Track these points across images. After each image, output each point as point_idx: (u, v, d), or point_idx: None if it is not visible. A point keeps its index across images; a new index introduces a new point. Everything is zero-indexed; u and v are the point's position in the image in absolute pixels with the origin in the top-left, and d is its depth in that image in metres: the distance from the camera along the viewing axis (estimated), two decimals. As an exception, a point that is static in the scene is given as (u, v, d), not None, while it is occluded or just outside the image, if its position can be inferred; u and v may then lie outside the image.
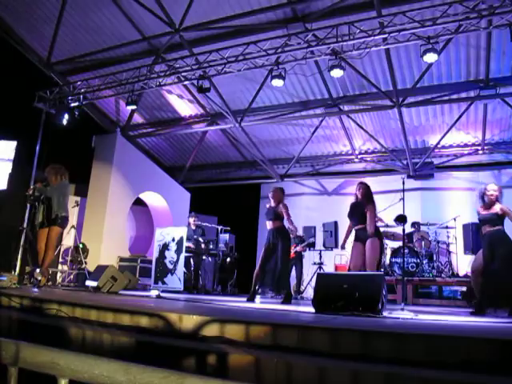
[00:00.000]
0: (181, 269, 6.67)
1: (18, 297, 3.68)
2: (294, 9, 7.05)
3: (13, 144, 9.38)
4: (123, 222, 9.98)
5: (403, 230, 5.23)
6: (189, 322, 2.58)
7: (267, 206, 5.96)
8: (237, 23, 7.42)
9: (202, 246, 8.51)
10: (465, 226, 7.78)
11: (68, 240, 8.61)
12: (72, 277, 8.56)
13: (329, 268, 9.09)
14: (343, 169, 10.91)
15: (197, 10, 7.29)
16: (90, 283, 5.89)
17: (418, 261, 7.89)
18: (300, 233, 9.22)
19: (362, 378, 1.83)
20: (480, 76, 7.71)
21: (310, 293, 8.38)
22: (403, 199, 4.94)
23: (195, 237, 8.38)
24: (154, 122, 10.63)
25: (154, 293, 5.44)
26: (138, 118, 10.51)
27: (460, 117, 8.47)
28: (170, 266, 6.75)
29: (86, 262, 7.83)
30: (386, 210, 6.92)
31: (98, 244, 9.00)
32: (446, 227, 8.49)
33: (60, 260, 8.75)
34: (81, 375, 1.59)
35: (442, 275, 7.74)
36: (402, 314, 3.72)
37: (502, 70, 7.51)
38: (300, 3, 6.93)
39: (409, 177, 9.29)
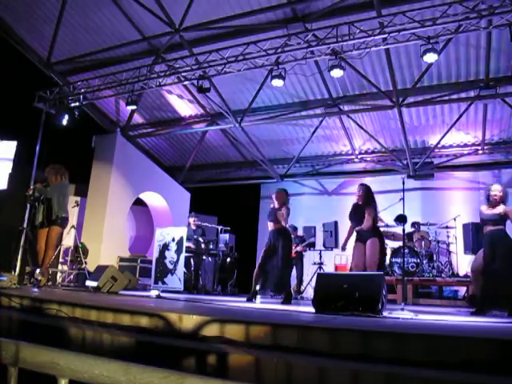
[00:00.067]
0: (181, 269, 6.67)
1: (18, 297, 3.69)
2: (293, 9, 7.05)
3: (13, 144, 9.38)
4: (123, 222, 9.98)
5: (403, 230, 5.23)
6: (189, 321, 2.58)
7: (271, 206, 5.93)
8: (237, 23, 7.42)
9: (202, 246, 8.51)
10: (465, 226, 7.78)
11: (68, 240, 8.60)
12: (72, 277, 8.56)
13: (329, 268, 9.09)
14: (343, 169, 10.91)
15: (197, 10, 7.29)
16: (90, 283, 5.89)
17: (418, 261, 7.89)
18: (300, 233, 9.23)
19: (362, 378, 1.83)
20: (480, 76, 7.71)
21: (310, 293, 8.39)
22: (403, 199, 4.94)
23: (195, 237, 8.38)
24: (154, 122, 10.63)
25: (154, 293, 5.44)
26: (137, 118, 10.51)
27: (460, 117, 8.47)
28: (170, 266, 6.75)
29: (86, 262, 7.83)
30: (386, 209, 6.92)
31: (97, 244, 9.00)
32: (446, 227, 8.49)
33: (60, 260, 8.75)
34: (81, 375, 1.59)
35: (442, 275, 7.74)
36: (402, 314, 3.72)
37: (501, 69, 7.51)
38: (300, 3, 6.93)
39: (409, 177, 9.29)
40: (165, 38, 7.96)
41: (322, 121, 9.50)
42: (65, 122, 8.36)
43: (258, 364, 2.04)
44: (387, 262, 8.00)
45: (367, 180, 8.90)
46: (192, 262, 8.20)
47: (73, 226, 8.08)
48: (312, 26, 6.82)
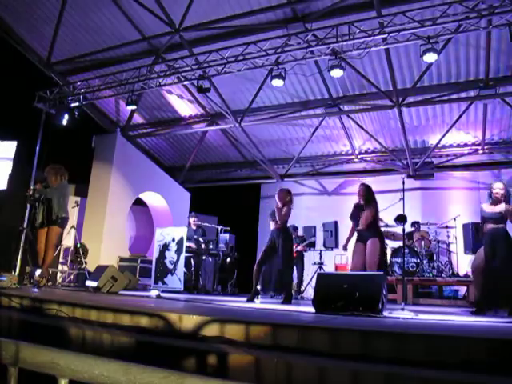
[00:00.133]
0: (181, 269, 6.67)
1: (18, 297, 3.68)
2: (293, 9, 7.05)
3: (13, 144, 9.37)
4: (123, 221, 9.98)
5: (403, 230, 5.23)
6: (189, 322, 2.58)
7: (275, 205, 5.91)
8: (237, 23, 7.42)
9: (203, 246, 8.51)
10: (465, 226, 7.78)
11: (68, 240, 8.61)
12: (72, 277, 8.57)
13: (329, 268, 9.09)
14: (343, 169, 10.91)
15: (197, 10, 7.29)
16: (90, 283, 5.89)
17: (418, 260, 7.89)
18: (300, 233, 9.24)
19: (362, 378, 1.83)
20: (480, 76, 7.72)
21: (310, 293, 8.39)
22: (403, 199, 4.94)
23: (195, 237, 8.38)
24: (154, 122, 10.64)
25: (154, 293, 5.44)
26: (138, 118, 10.51)
27: (460, 117, 8.47)
28: (170, 266, 6.75)
29: (86, 262, 7.83)
30: (386, 209, 6.92)
31: (97, 244, 9.00)
32: (446, 227, 8.49)
33: (60, 260, 8.75)
34: (81, 375, 1.59)
35: (442, 275, 7.74)
36: (403, 314, 3.72)
37: (501, 69, 7.51)
38: (300, 3, 6.93)
39: (409, 177, 9.29)
40: (165, 38, 7.96)
41: (321, 121, 9.50)
42: (65, 122, 8.37)
43: (258, 364, 2.04)
44: (387, 261, 8.01)
45: (367, 180, 8.89)
46: (192, 262, 8.19)
47: (73, 226, 8.09)
48: (312, 26, 6.83)
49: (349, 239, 5.42)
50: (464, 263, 8.32)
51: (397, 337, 2.13)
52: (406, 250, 7.90)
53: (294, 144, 10.58)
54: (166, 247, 6.92)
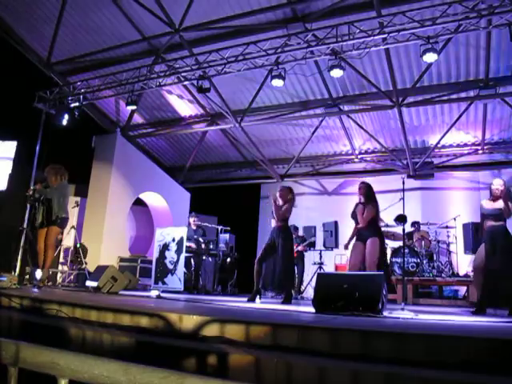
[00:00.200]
0: (181, 269, 6.67)
1: (18, 297, 3.69)
2: (293, 9, 7.05)
3: (13, 144, 9.38)
4: (123, 222, 9.98)
5: (403, 230, 5.23)
6: (189, 322, 2.58)
7: (272, 200, 5.89)
8: (237, 23, 7.42)
9: (203, 246, 8.51)
10: (465, 226, 7.78)
11: (68, 240, 8.62)
12: (72, 277, 8.57)
13: (329, 268, 9.09)
14: (343, 169, 10.91)
15: (197, 10, 7.29)
16: (90, 283, 5.89)
17: (418, 260, 7.89)
18: (300, 233, 9.24)
19: (362, 378, 1.83)
20: (480, 76, 7.72)
21: (310, 293, 8.39)
22: (403, 199, 4.94)
23: (195, 237, 8.39)
24: (154, 122, 10.64)
25: (154, 293, 5.43)
26: (138, 118, 10.51)
27: (460, 116, 8.47)
28: (171, 266, 6.75)
29: (86, 263, 7.83)
30: (386, 209, 6.92)
31: (98, 244, 9.00)
32: (446, 227, 8.49)
33: (60, 260, 8.76)
34: (81, 375, 1.59)
35: (443, 275, 7.74)
36: (403, 314, 3.72)
37: (501, 69, 7.51)
38: (300, 3, 6.93)
39: (409, 177, 9.29)
40: (165, 38, 7.96)
41: (322, 121, 9.50)
42: (65, 122, 8.37)
43: (258, 364, 2.04)
44: (387, 261, 8.01)
45: (367, 180, 8.87)
46: (192, 262, 8.19)
47: (73, 227, 8.09)
48: (312, 26, 6.83)
49: (351, 239, 5.38)
50: (464, 263, 8.32)
51: (397, 337, 2.12)
52: (406, 250, 7.90)
53: (294, 144, 10.58)
54: (166, 247, 6.92)
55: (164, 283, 6.74)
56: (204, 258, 8.70)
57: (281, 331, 2.31)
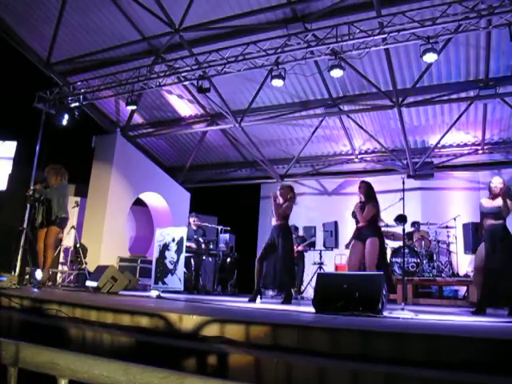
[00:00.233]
0: (181, 269, 6.67)
1: (18, 297, 3.68)
2: (293, 9, 7.05)
3: (13, 144, 9.39)
4: (123, 222, 9.98)
5: (403, 230, 5.22)
6: (189, 322, 2.58)
7: (272, 198, 5.88)
8: (237, 23, 7.42)
9: (203, 246, 8.52)
10: (465, 226, 7.78)
11: (68, 240, 8.61)
12: (72, 277, 8.57)
13: (329, 268, 9.09)
14: (343, 169, 10.92)
15: (197, 10, 7.29)
16: (90, 283, 5.88)
17: (418, 260, 7.89)
18: (301, 233, 9.24)
19: (362, 378, 1.83)
20: (479, 76, 7.72)
21: (310, 293, 8.38)
22: (403, 199, 4.94)
23: (195, 237, 8.39)
24: (154, 122, 10.64)
25: (154, 293, 5.44)
26: (137, 118, 10.51)
27: (460, 117, 8.47)
28: (170, 267, 6.75)
29: (86, 263, 7.83)
30: (386, 209, 6.92)
31: (98, 244, 9.00)
32: (446, 227, 8.48)
33: (60, 260, 8.75)
34: (81, 375, 1.59)
35: (443, 275, 7.74)
36: (403, 314, 3.72)
37: (501, 69, 7.51)
38: (300, 3, 6.93)
39: (409, 177, 9.29)
40: (165, 38, 7.96)
41: (321, 121, 9.50)
42: (65, 122, 8.37)
43: (258, 364, 2.04)
44: (387, 261, 8.00)
45: (367, 180, 8.89)
46: (192, 262, 8.19)
47: (73, 227, 8.08)
48: (312, 26, 6.83)
49: (352, 238, 5.38)
50: (464, 263, 8.32)
51: (397, 337, 2.12)
52: (406, 250, 7.90)
53: (294, 144, 10.58)
54: (166, 247, 6.92)
55: (164, 283, 6.74)
56: (204, 258, 8.70)
57: (281, 331, 2.31)
